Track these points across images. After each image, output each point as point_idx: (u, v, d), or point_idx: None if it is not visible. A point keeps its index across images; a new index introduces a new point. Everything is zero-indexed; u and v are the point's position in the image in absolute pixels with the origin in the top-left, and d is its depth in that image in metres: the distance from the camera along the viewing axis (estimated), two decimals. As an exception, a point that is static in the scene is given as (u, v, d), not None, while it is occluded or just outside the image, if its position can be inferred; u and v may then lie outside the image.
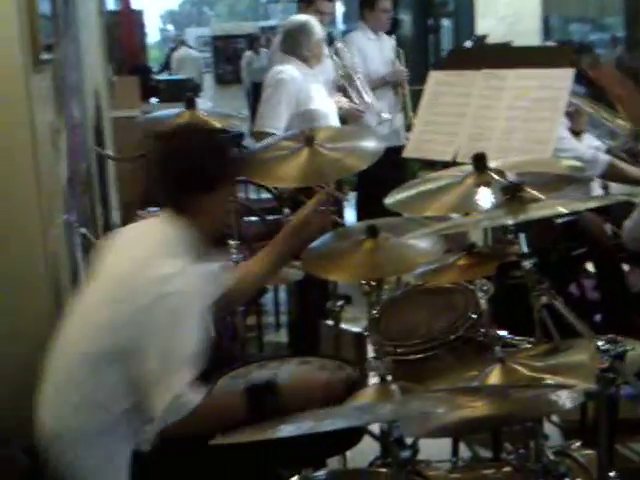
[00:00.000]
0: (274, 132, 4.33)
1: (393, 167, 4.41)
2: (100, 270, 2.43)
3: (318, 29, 4.76)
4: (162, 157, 2.49)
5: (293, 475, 2.06)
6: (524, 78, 3.34)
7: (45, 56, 2.90)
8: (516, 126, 3.26)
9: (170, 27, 34.07)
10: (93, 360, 2.28)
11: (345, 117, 5.15)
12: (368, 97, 5.37)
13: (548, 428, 2.29)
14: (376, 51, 5.80)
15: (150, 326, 2.23)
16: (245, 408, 2.24)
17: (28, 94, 2.60)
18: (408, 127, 5.40)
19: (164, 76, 14.13)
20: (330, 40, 5.74)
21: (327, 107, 4.67)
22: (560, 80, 3.26)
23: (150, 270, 2.28)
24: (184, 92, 6.74)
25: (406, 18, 12.17)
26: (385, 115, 5.46)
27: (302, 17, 4.92)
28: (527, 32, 8.34)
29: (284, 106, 4.49)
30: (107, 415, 2.28)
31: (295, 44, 4.71)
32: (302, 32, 4.71)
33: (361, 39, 5.80)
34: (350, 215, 5.77)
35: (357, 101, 5.34)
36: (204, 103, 11.34)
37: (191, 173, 2.41)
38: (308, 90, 4.56)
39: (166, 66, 16.97)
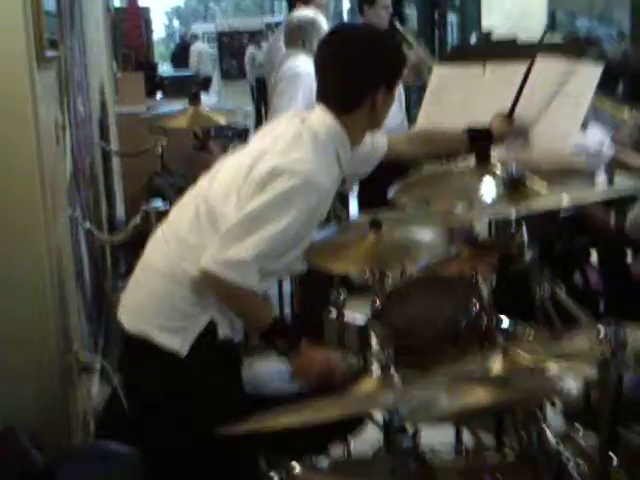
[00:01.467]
0: None
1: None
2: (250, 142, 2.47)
3: (325, 24, 4.80)
4: (347, 46, 2.41)
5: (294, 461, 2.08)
6: (545, 70, 3.22)
7: (50, 53, 2.90)
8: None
9: (176, 23, 34.10)
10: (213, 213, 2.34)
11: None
12: None
13: (551, 413, 2.30)
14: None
15: (259, 190, 2.26)
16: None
17: (32, 91, 2.60)
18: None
19: (169, 72, 14.15)
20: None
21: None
22: (588, 76, 3.10)
23: (290, 152, 2.29)
24: (188, 88, 6.78)
25: (412, 13, 12.17)
26: None
27: (309, 12, 4.93)
28: (533, 27, 8.34)
29: (300, 99, 4.51)
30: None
31: (306, 39, 4.73)
32: (313, 27, 4.74)
33: None
34: (354, 207, 5.78)
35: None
36: (209, 99, 11.36)
37: (379, 64, 2.38)
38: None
39: (176, 60, 16.96)
